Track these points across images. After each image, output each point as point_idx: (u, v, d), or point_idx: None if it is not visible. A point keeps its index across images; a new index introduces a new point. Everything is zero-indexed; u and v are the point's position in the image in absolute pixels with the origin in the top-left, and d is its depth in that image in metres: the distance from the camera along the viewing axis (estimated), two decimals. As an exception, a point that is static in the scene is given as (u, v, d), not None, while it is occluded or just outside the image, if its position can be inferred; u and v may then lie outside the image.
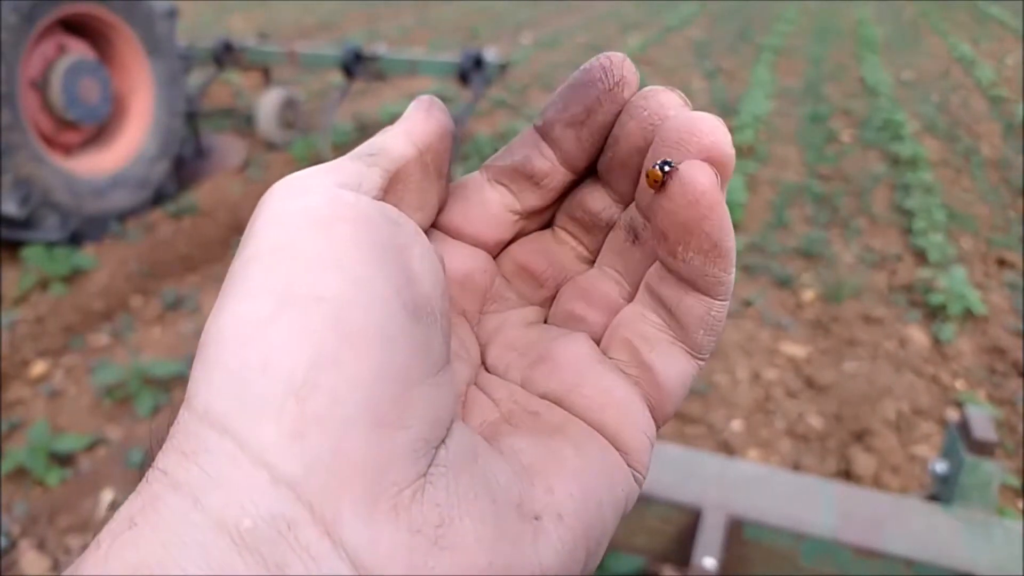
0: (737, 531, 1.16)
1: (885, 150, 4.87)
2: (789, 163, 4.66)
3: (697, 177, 0.25)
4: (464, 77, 4.01)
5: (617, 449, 0.28)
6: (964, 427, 1.18)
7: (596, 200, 0.32)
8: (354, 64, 4.18)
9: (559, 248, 0.33)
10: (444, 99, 5.76)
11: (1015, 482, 2.09)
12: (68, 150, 3.38)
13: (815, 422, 2.34)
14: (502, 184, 0.32)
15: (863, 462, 2.12)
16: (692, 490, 1.20)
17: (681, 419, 2.34)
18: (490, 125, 5.17)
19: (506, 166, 0.32)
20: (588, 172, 0.32)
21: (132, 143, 3.59)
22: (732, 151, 0.27)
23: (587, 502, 0.25)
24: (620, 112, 0.30)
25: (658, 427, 0.29)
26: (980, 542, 1.11)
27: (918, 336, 2.81)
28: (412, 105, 0.31)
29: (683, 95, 0.29)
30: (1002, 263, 3.41)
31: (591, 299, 0.31)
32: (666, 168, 0.26)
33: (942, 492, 1.23)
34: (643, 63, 7.30)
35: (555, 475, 0.25)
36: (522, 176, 0.31)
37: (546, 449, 0.26)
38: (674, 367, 0.29)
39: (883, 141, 5.03)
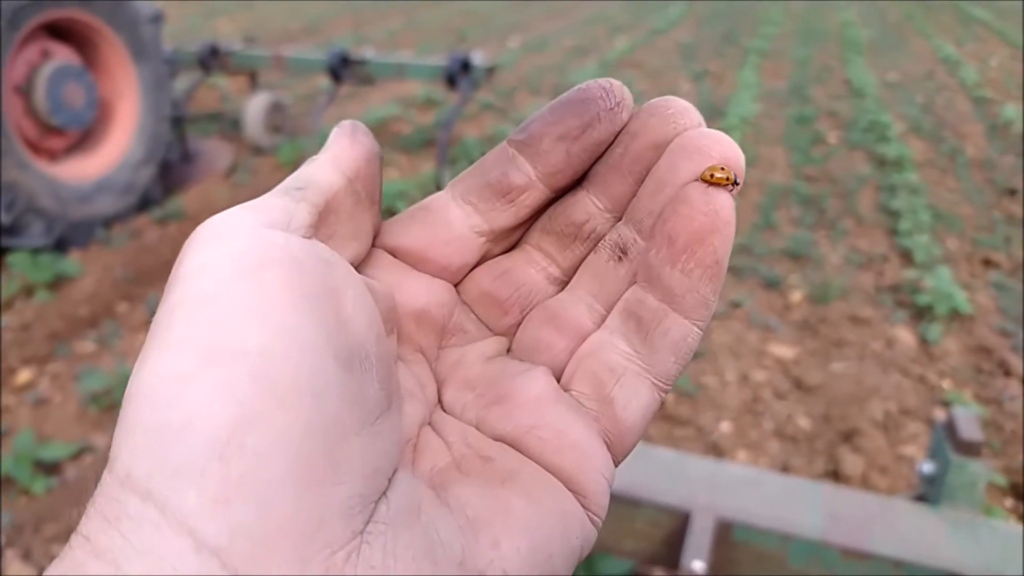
0: (726, 533, 1.16)
1: (871, 151, 4.90)
2: (776, 165, 4.68)
3: (721, 192, 0.26)
4: (451, 80, 4.01)
5: (573, 493, 0.27)
6: (950, 427, 1.19)
7: (580, 211, 0.31)
8: (341, 68, 4.17)
9: (528, 269, 0.32)
10: (432, 103, 5.79)
11: (1002, 481, 2.10)
12: (53, 156, 3.36)
13: (803, 423, 2.35)
14: (470, 203, 0.31)
15: (851, 462, 2.13)
16: (681, 493, 1.20)
17: (670, 421, 2.35)
18: (478, 128, 5.17)
19: (478, 183, 0.30)
20: (563, 192, 0.31)
21: (118, 148, 3.57)
22: (743, 169, 0.28)
23: (536, 555, 0.24)
24: (617, 132, 0.29)
25: (617, 463, 0.28)
26: (967, 542, 1.12)
27: (905, 336, 2.82)
28: (335, 131, 0.30)
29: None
30: (987, 263, 3.44)
31: (559, 324, 0.30)
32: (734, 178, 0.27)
33: (929, 492, 1.24)
34: (630, 66, 7.32)
35: (502, 528, 0.24)
36: (495, 193, 0.30)
37: (495, 500, 0.25)
38: (637, 401, 0.28)
39: (869, 142, 5.06)
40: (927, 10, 11.35)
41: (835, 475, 2.12)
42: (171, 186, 3.93)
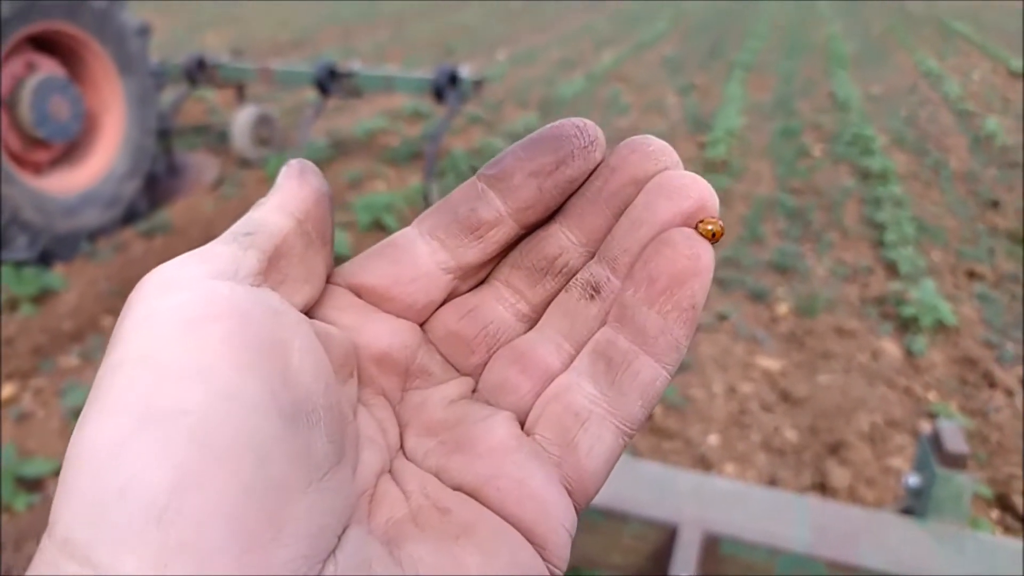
0: (713, 547, 1.16)
1: (855, 164, 4.94)
2: (762, 177, 4.71)
3: (702, 239, 0.27)
4: (439, 93, 4.02)
5: (533, 544, 0.26)
6: (936, 440, 1.19)
7: (552, 245, 0.30)
8: (329, 81, 4.17)
9: (496, 307, 0.31)
10: (419, 115, 5.80)
11: (987, 492, 2.11)
12: (38, 168, 3.34)
13: (790, 435, 2.36)
14: (437, 239, 0.30)
15: (838, 475, 2.13)
16: (668, 507, 1.20)
17: (658, 434, 2.35)
18: (465, 141, 5.18)
19: (446, 219, 0.30)
20: (532, 229, 0.31)
21: (103, 161, 3.55)
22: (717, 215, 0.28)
23: None
24: (590, 171, 0.29)
25: (579, 511, 0.28)
26: (953, 555, 1.12)
27: (890, 348, 2.84)
28: (283, 172, 0.29)
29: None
30: (971, 275, 3.47)
31: (525, 365, 0.30)
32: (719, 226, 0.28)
33: (915, 505, 1.24)
34: (617, 79, 7.37)
35: None
36: (463, 229, 0.30)
37: (448, 557, 0.25)
38: (601, 446, 0.27)
39: (853, 155, 5.10)
40: (910, 24, 11.48)
41: (822, 487, 2.13)
42: (157, 199, 3.91)
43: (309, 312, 0.29)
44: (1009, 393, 2.57)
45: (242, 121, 4.52)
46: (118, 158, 3.58)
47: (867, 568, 1.10)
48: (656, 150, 0.29)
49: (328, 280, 0.31)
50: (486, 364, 0.31)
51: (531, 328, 0.31)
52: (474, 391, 0.31)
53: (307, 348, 0.25)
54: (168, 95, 4.66)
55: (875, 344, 2.86)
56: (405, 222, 3.76)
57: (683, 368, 2.66)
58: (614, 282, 0.29)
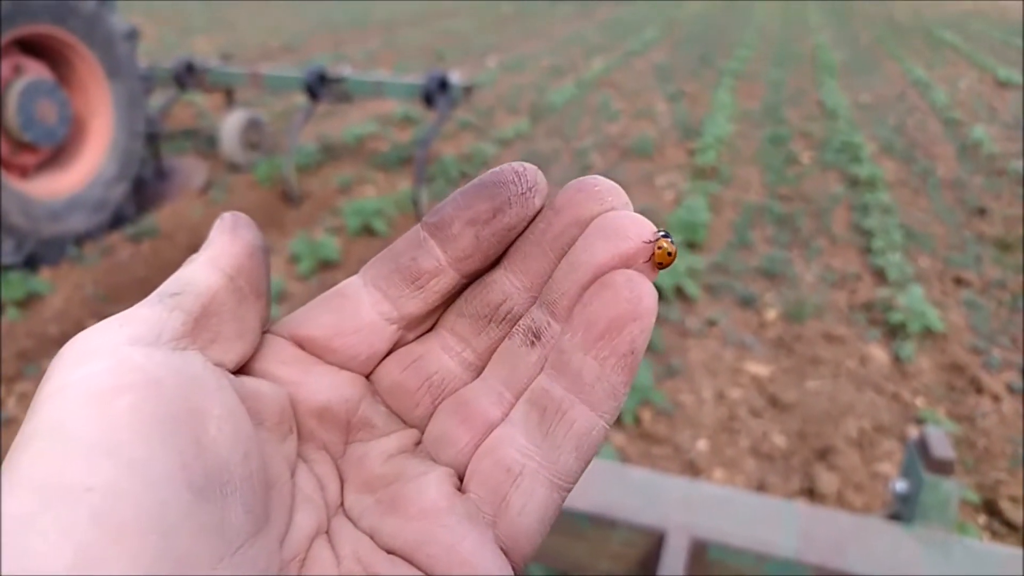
0: (701, 553, 1.15)
1: (844, 171, 4.96)
2: (751, 184, 4.73)
3: (644, 281, 0.26)
4: (429, 99, 4.02)
5: None
6: (923, 446, 1.19)
7: (496, 292, 0.30)
8: (318, 86, 4.17)
9: (442, 356, 0.30)
10: (409, 121, 5.80)
11: (975, 498, 2.12)
12: (24, 172, 3.31)
13: (779, 441, 2.36)
14: (380, 289, 0.29)
15: (826, 480, 2.14)
16: (656, 513, 1.20)
17: (647, 439, 2.34)
18: (455, 147, 5.18)
19: (388, 268, 0.29)
20: (474, 278, 0.30)
21: (90, 165, 3.53)
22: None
23: None
24: (529, 218, 0.28)
25: (518, 570, 0.27)
26: (940, 561, 1.12)
27: (878, 354, 2.84)
28: (216, 226, 0.29)
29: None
30: (959, 282, 3.48)
31: (466, 416, 0.29)
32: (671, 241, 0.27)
33: (903, 511, 1.24)
34: (607, 86, 7.39)
35: None
36: (404, 279, 0.29)
37: None
38: (533, 503, 0.27)
39: (842, 163, 5.13)
40: (898, 34, 11.57)
41: (811, 493, 2.13)
42: (145, 203, 3.89)
43: (246, 366, 0.28)
44: (996, 399, 2.58)
45: (231, 125, 4.51)
46: (106, 162, 3.56)
47: (855, 574, 1.10)
48: (603, 190, 0.28)
49: (271, 331, 0.30)
50: (432, 415, 0.30)
51: (477, 376, 0.30)
52: (419, 443, 0.30)
53: (226, 416, 0.24)
54: (157, 99, 4.65)
55: (863, 350, 2.87)
56: (395, 227, 3.77)
57: (672, 373, 2.66)
58: (554, 327, 0.28)
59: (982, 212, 4.32)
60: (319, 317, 0.30)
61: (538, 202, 0.28)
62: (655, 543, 1.17)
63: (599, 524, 1.19)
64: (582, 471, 0.27)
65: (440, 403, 0.30)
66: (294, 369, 0.29)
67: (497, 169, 0.28)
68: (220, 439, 0.23)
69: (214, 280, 0.27)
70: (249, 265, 0.28)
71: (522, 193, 0.28)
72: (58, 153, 3.46)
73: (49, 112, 3.25)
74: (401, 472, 0.29)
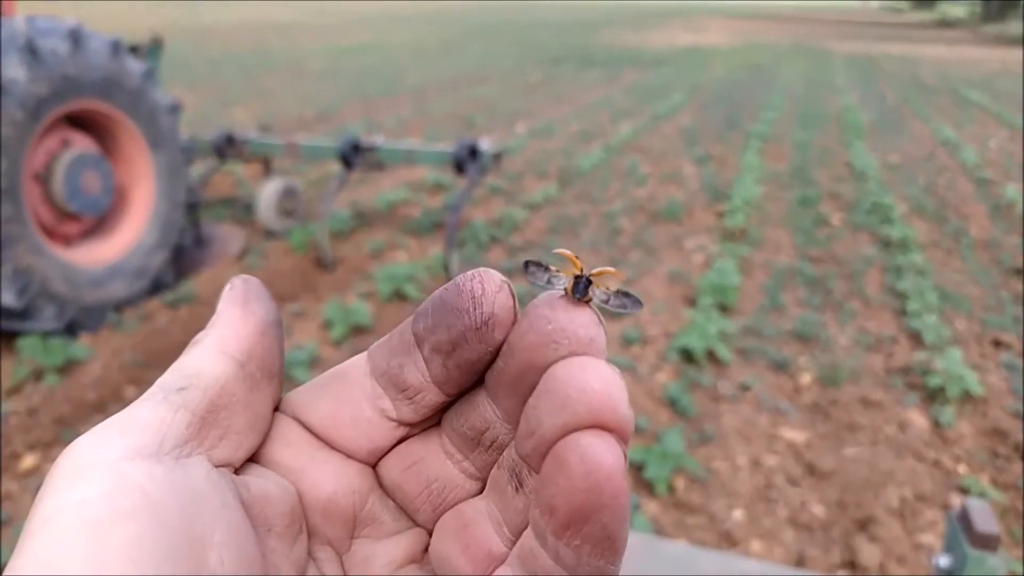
0: (740, 631, 1.13)
1: (875, 232, 4.94)
2: (781, 246, 4.72)
3: (605, 457, 0.22)
4: (460, 166, 4.10)
5: None
6: (965, 520, 1.17)
7: (478, 417, 0.27)
8: (352, 155, 4.28)
9: (444, 462, 0.28)
10: (440, 187, 5.90)
11: (1020, 571, 2.04)
12: (68, 241, 3.42)
13: (818, 510, 2.30)
14: (380, 383, 0.27)
15: (868, 552, 2.08)
16: (692, 588, 1.17)
17: (682, 509, 2.30)
18: (486, 212, 5.25)
19: (384, 365, 0.27)
20: (464, 392, 0.28)
21: (132, 233, 3.63)
22: (630, 413, 0.23)
23: None
24: (493, 350, 0.26)
25: None
26: (990, 641, 1.08)
27: (918, 420, 2.79)
28: (225, 296, 0.27)
29: (599, 315, 0.25)
30: (998, 344, 3.42)
31: (469, 543, 0.27)
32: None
33: (948, 587, 1.20)
34: (635, 150, 7.47)
35: None
36: (395, 387, 0.27)
37: None
38: None
39: (873, 224, 5.11)
40: (924, 94, 11.61)
41: (852, 565, 2.07)
42: (184, 270, 3.98)
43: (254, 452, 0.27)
44: (1042, 466, 2.51)
45: (268, 193, 4.63)
46: (147, 231, 3.67)
47: (900, 654, 1.06)
48: (554, 330, 0.24)
49: (278, 408, 0.29)
50: (436, 520, 0.29)
51: (480, 485, 0.28)
52: (426, 550, 0.29)
53: (229, 541, 0.23)
54: (198, 168, 4.79)
55: (902, 415, 2.81)
56: (426, 291, 3.80)
57: (706, 440, 2.62)
58: (534, 478, 0.25)
59: (1018, 272, 4.26)
60: (320, 403, 0.28)
61: (498, 336, 0.25)
62: (692, 620, 1.14)
63: (635, 599, 1.17)
64: None
65: (441, 510, 0.28)
66: (299, 454, 0.28)
67: (460, 283, 0.26)
68: (222, 563, 0.22)
69: (222, 369, 0.26)
70: (261, 346, 0.27)
71: (477, 328, 0.25)
72: (101, 222, 3.57)
73: (94, 183, 3.36)
74: None
